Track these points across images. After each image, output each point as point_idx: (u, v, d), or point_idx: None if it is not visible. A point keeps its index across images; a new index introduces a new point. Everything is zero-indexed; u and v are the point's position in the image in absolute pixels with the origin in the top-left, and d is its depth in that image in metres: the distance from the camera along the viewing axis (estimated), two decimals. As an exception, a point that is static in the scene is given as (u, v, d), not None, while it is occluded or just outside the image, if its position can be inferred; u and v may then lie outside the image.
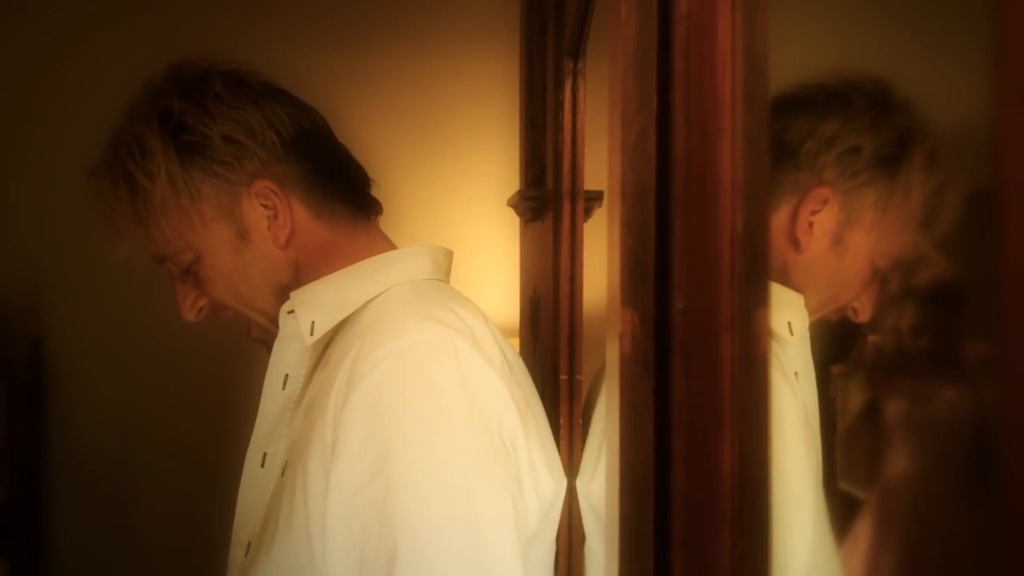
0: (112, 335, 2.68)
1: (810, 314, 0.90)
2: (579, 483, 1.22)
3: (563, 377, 1.29)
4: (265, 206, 1.24)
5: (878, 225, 0.86)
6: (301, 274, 1.26)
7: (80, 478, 2.68)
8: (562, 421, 1.27)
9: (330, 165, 1.29)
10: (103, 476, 2.68)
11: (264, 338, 1.31)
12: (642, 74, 0.69)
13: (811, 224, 0.88)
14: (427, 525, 1.04)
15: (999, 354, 0.39)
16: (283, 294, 1.26)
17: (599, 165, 1.29)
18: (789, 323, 0.85)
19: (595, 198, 1.30)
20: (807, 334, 0.86)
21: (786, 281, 0.88)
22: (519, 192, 1.69)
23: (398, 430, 1.06)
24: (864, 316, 0.85)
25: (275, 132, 1.24)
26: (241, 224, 1.24)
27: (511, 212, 1.79)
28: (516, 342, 1.87)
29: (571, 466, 1.24)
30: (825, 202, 0.88)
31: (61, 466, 2.69)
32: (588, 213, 1.31)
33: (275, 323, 1.27)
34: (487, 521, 1.06)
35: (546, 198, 1.52)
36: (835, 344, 0.88)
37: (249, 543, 1.22)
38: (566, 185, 1.33)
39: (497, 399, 1.11)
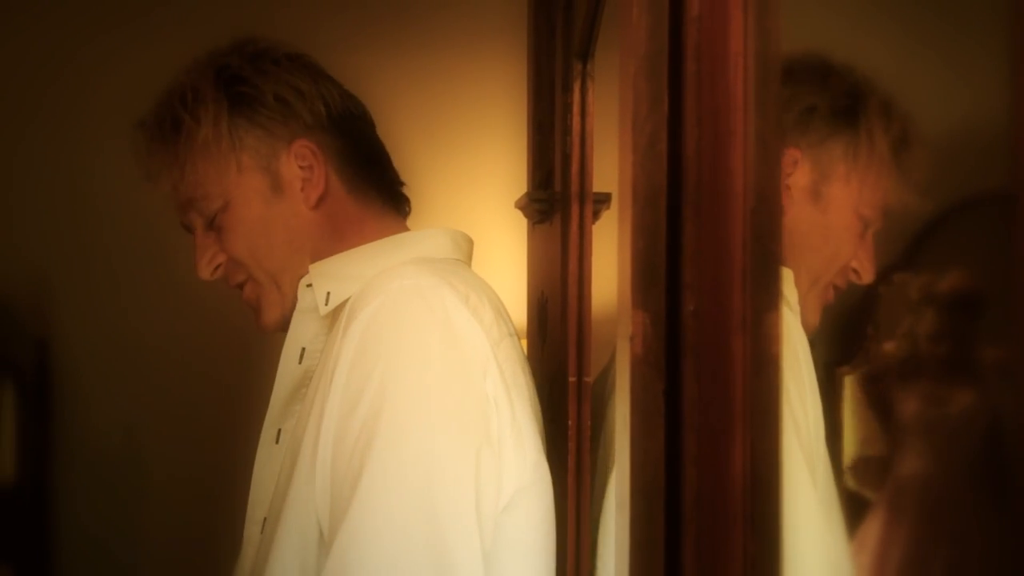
0: (118, 336, 2.68)
1: (815, 282, 0.91)
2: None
3: (572, 379, 1.29)
4: (302, 167, 1.27)
5: (854, 175, 0.89)
6: (324, 245, 1.28)
7: (86, 478, 2.68)
8: (570, 423, 1.27)
9: (369, 152, 1.34)
10: (109, 476, 2.68)
11: (253, 300, 1.32)
12: (653, 76, 0.69)
13: (788, 187, 0.89)
14: (389, 465, 1.07)
15: (1016, 358, 0.39)
16: (298, 261, 1.28)
17: (607, 168, 1.29)
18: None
19: (603, 200, 1.30)
20: (799, 309, 0.87)
21: None
22: (527, 194, 1.69)
23: (378, 366, 1.10)
24: (867, 276, 0.86)
25: (324, 104, 1.29)
26: (276, 179, 1.27)
27: (518, 214, 1.79)
28: (524, 344, 1.87)
29: (579, 467, 1.24)
30: (795, 163, 0.90)
31: (67, 466, 2.69)
32: (596, 215, 1.31)
33: (278, 288, 1.29)
34: (444, 468, 1.09)
35: (554, 200, 1.52)
36: (842, 346, 0.88)
37: (264, 519, 1.23)
38: (574, 187, 1.33)
39: (480, 351, 1.14)
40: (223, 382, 2.54)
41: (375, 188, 1.33)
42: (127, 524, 2.67)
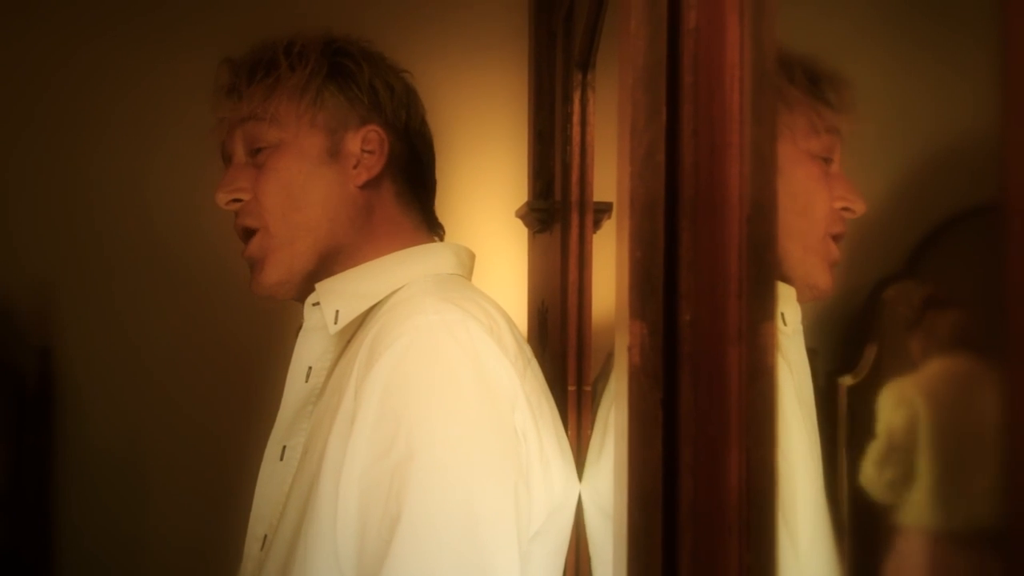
0: (121, 345, 2.68)
1: (805, 241, 0.90)
2: (583, 484, 1.22)
3: (571, 388, 1.29)
4: (365, 150, 1.29)
5: (782, 124, 0.89)
6: (355, 227, 1.28)
7: (91, 486, 2.68)
8: (570, 432, 1.27)
9: (424, 176, 1.38)
10: (114, 485, 2.68)
11: (257, 255, 1.29)
12: (651, 87, 0.70)
13: None
14: (431, 504, 1.05)
15: (1004, 367, 0.39)
16: (325, 230, 1.27)
17: (608, 177, 1.30)
18: (782, 314, 0.85)
19: (604, 210, 1.30)
20: (800, 328, 0.87)
21: None
22: (527, 203, 1.70)
23: (410, 407, 1.08)
24: (859, 207, 0.85)
25: (407, 113, 1.34)
26: (338, 146, 1.28)
27: (519, 223, 1.79)
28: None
29: (579, 474, 1.24)
30: None
31: (69, 476, 2.69)
32: (597, 225, 1.32)
33: (291, 247, 1.27)
34: (489, 505, 1.08)
35: (554, 210, 1.52)
36: (842, 355, 0.88)
37: (265, 536, 1.23)
38: (574, 197, 1.34)
39: (509, 385, 1.13)
40: (227, 392, 2.55)
41: (419, 206, 1.35)
42: (129, 533, 2.67)
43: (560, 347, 1.38)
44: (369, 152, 1.29)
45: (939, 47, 0.69)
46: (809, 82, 0.86)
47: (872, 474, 0.79)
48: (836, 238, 0.89)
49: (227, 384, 2.54)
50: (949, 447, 0.69)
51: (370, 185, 1.28)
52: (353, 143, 1.28)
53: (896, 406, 0.78)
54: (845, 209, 0.87)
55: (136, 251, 2.66)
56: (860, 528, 0.78)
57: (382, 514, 1.06)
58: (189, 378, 2.65)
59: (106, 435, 2.68)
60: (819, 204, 0.89)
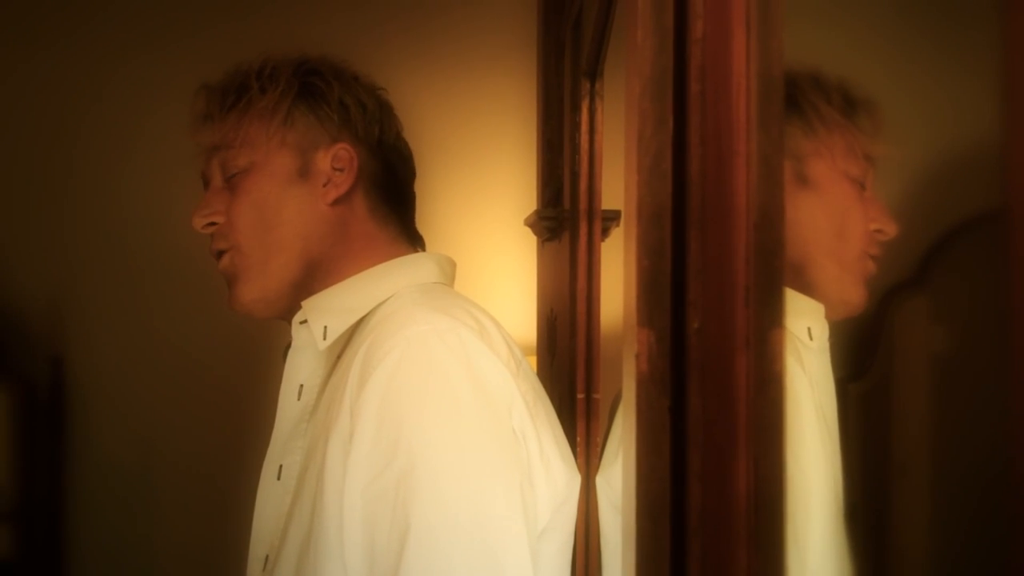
0: (133, 354, 2.69)
1: (842, 260, 0.90)
2: (599, 479, 1.23)
3: (580, 396, 1.30)
4: (335, 168, 1.29)
5: (823, 147, 0.90)
6: (328, 244, 1.28)
7: (101, 497, 2.69)
8: (579, 440, 1.28)
9: (400, 191, 1.36)
10: (124, 495, 2.69)
11: (230, 272, 1.30)
12: (658, 96, 0.70)
13: None
14: (438, 512, 1.06)
15: (1008, 373, 0.39)
16: (298, 249, 1.27)
17: (616, 186, 1.30)
18: (809, 328, 0.86)
19: (612, 218, 1.31)
20: (827, 345, 0.87)
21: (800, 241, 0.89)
22: (536, 212, 1.70)
23: (409, 417, 1.09)
24: (891, 229, 0.85)
25: (380, 129, 1.33)
26: (307, 165, 1.29)
27: (528, 231, 1.80)
28: (533, 360, 1.87)
29: (588, 482, 1.24)
30: None
31: (82, 485, 2.70)
32: (605, 233, 1.32)
33: (265, 267, 1.28)
34: (496, 507, 1.08)
35: (563, 218, 1.53)
36: (853, 362, 0.88)
37: (267, 557, 1.23)
38: (583, 205, 1.34)
39: (504, 388, 1.14)
40: (238, 400, 2.55)
41: (396, 219, 1.34)
42: (139, 542, 2.68)
43: (569, 355, 1.38)
44: (339, 170, 1.29)
45: (935, 58, 0.70)
46: (846, 105, 0.87)
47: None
48: (872, 258, 0.90)
49: (238, 391, 2.54)
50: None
51: (341, 202, 1.29)
52: (324, 161, 1.29)
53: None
54: (877, 231, 0.87)
55: (147, 260, 2.67)
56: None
57: (390, 526, 1.07)
58: (200, 388, 2.65)
59: (117, 444, 2.69)
60: (856, 224, 0.90)
